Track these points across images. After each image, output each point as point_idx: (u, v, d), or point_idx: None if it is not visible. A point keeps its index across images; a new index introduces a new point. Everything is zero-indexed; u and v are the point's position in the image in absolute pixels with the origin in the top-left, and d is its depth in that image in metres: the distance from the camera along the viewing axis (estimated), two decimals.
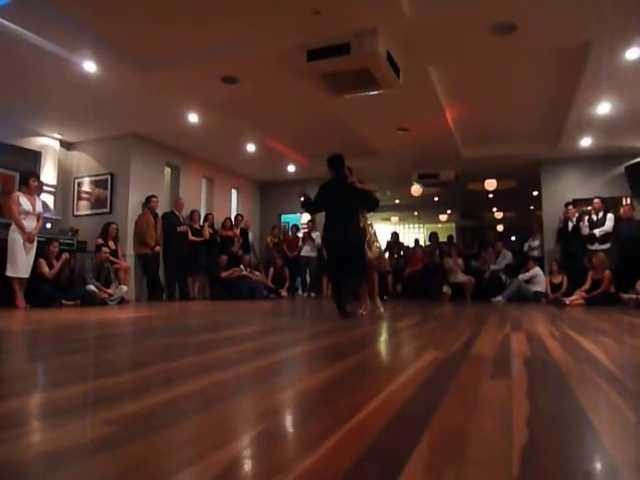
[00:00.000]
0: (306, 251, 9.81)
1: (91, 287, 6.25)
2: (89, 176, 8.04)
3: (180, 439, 1.03)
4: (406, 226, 19.41)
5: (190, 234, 8.15)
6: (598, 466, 0.91)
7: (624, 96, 6.08)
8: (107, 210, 7.76)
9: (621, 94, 6.03)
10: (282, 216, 11.32)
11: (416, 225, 19.69)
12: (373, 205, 4.82)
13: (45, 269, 6.10)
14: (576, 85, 5.77)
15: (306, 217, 10.86)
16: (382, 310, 4.92)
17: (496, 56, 5.24)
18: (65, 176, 8.11)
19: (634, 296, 6.27)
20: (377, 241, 5.06)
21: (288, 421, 1.24)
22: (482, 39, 4.76)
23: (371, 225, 5.06)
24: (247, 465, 0.90)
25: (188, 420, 1.17)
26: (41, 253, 6.13)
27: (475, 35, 4.70)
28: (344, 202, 4.40)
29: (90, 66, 5.28)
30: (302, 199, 4.62)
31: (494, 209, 15.99)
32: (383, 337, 3.28)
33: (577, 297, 7.28)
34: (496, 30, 4.58)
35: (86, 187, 8.05)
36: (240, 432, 1.11)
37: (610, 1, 4.07)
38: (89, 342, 2.79)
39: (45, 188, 7.24)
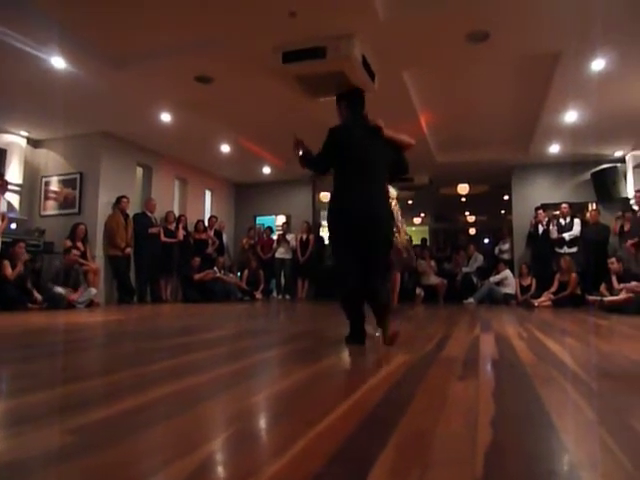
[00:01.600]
0: (280, 253, 9.79)
1: (58, 290, 6.10)
2: (57, 175, 7.83)
3: (148, 446, 1.02)
4: None
5: (163, 235, 8.04)
6: (559, 465, 0.94)
7: (590, 105, 6.27)
8: (76, 210, 7.58)
9: (587, 103, 6.21)
10: (257, 218, 11.27)
11: None
12: (402, 170, 3.05)
13: (8, 271, 5.92)
14: (545, 94, 5.92)
15: (281, 219, 10.85)
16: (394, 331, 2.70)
17: (469, 63, 5.34)
18: (32, 175, 7.88)
19: (599, 298, 6.46)
20: (404, 225, 3.64)
21: (258, 425, 1.24)
22: (456, 46, 4.84)
23: (396, 201, 3.62)
24: (215, 470, 0.90)
25: (157, 426, 1.16)
26: (6, 254, 5.95)
27: (449, 42, 4.78)
28: (369, 158, 2.81)
29: (58, 62, 5.15)
30: (300, 153, 2.97)
31: (466, 213, 16.28)
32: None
33: (545, 299, 7.47)
34: (470, 38, 4.67)
35: (54, 186, 7.84)
36: (209, 437, 1.10)
37: (577, 15, 4.19)
38: (56, 347, 2.72)
39: (10, 187, 7.01)
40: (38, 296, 5.95)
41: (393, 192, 3.30)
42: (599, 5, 4.01)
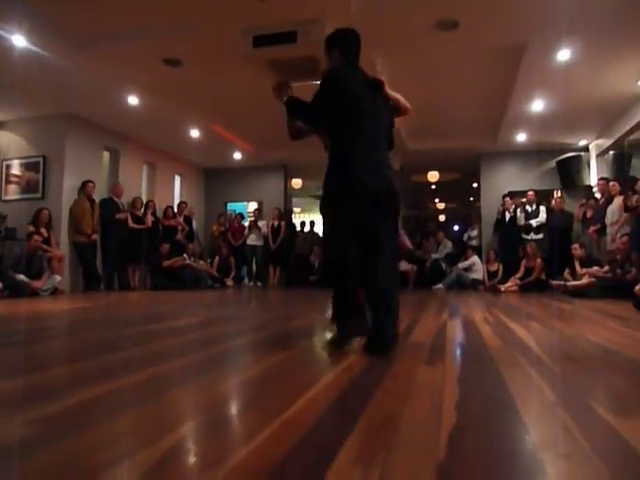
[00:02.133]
0: (252, 240, 9.73)
1: (21, 277, 5.92)
2: (19, 158, 7.55)
3: (113, 434, 1.00)
4: None
5: (131, 221, 7.87)
6: (520, 445, 0.97)
7: (556, 95, 6.40)
8: (39, 195, 7.33)
9: (553, 93, 6.34)
10: (228, 204, 11.15)
11: None
12: (390, 140, 2.44)
13: None
14: (512, 83, 6.01)
15: (252, 206, 10.76)
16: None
17: (439, 52, 5.36)
18: None
19: (563, 283, 6.66)
20: None
21: (226, 413, 1.23)
22: (426, 34, 4.85)
23: None
24: (181, 459, 0.89)
25: (123, 415, 1.14)
26: None
27: (420, 30, 4.79)
28: (376, 115, 2.25)
29: (19, 40, 4.94)
30: (285, 98, 2.33)
31: (436, 200, 16.49)
32: (326, 326, 3.31)
33: (511, 284, 7.68)
34: (439, 26, 4.69)
35: (15, 170, 7.56)
36: (176, 425, 1.09)
37: (543, 6, 4.26)
38: (18, 336, 2.65)
39: None
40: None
41: None
42: None
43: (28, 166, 7.46)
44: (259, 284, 9.64)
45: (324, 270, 2.27)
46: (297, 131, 2.44)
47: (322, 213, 2.23)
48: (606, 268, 6.16)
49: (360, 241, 2.13)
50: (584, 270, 6.46)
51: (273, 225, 9.64)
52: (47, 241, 6.64)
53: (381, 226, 2.14)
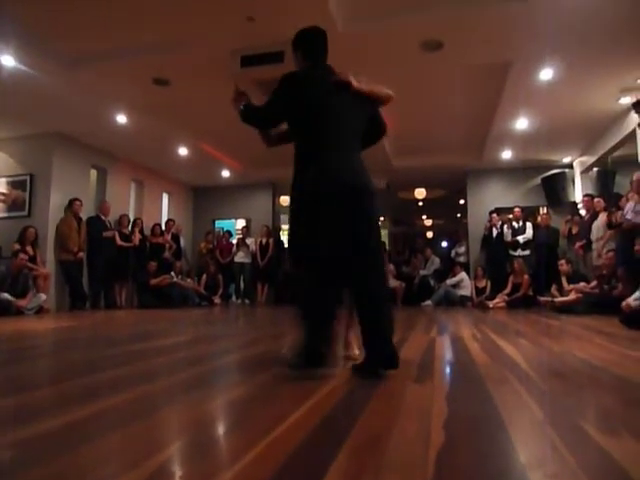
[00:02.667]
0: (240, 257, 9.69)
1: (5, 295, 5.82)
2: (6, 177, 7.49)
3: (96, 457, 0.98)
4: None
5: (119, 239, 7.81)
6: (508, 465, 0.97)
7: (539, 113, 6.53)
8: (25, 213, 7.26)
9: (536, 111, 6.47)
10: (216, 222, 11.12)
11: None
12: (379, 131, 2.37)
13: None
14: (497, 101, 6.13)
15: (241, 223, 10.75)
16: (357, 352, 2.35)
17: (425, 71, 5.46)
18: None
19: (550, 299, 6.71)
20: None
21: (213, 433, 1.22)
22: (412, 55, 4.94)
23: None
24: None
25: (110, 435, 1.12)
26: None
27: (405, 51, 4.88)
28: (343, 117, 2.11)
29: (8, 60, 4.94)
30: (242, 107, 2.31)
31: (424, 216, 16.60)
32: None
33: (499, 300, 7.71)
34: (425, 47, 4.78)
35: (2, 188, 7.49)
36: (162, 446, 1.07)
37: (525, 27, 4.38)
38: (2, 355, 2.59)
39: None
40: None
41: None
42: (547, 18, 4.19)
43: (15, 184, 7.41)
44: (247, 302, 9.57)
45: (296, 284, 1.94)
46: (269, 138, 2.37)
47: (293, 220, 2.11)
48: (593, 284, 6.22)
49: (341, 247, 1.92)
50: (571, 286, 6.52)
51: (261, 242, 9.61)
52: (33, 259, 6.56)
53: (366, 229, 1.96)
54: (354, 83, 2.18)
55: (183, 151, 8.34)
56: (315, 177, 1.96)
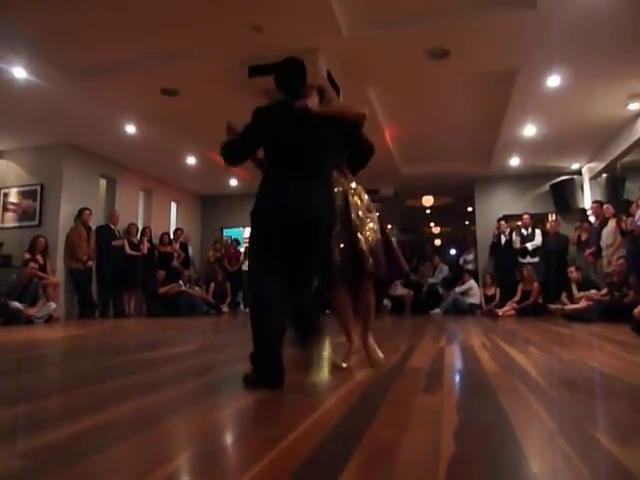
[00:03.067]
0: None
1: (15, 304, 5.87)
2: (17, 186, 7.58)
3: (105, 467, 0.98)
4: None
5: (127, 248, 7.86)
6: (520, 476, 0.96)
7: (547, 120, 6.51)
8: (35, 223, 7.34)
9: (544, 118, 6.45)
10: (224, 230, 11.16)
11: None
12: (363, 151, 2.47)
13: None
14: (505, 108, 6.12)
15: (248, 231, 10.77)
16: (381, 355, 2.49)
17: (432, 79, 5.47)
18: None
19: (560, 306, 6.65)
20: (371, 218, 2.56)
21: (221, 443, 1.21)
22: (418, 63, 4.96)
23: (355, 192, 2.54)
24: None
25: (118, 445, 1.12)
26: None
27: (411, 59, 4.90)
28: (304, 146, 2.14)
29: (20, 72, 5.02)
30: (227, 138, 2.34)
31: (431, 224, 16.55)
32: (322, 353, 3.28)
33: (509, 308, 7.64)
34: (431, 55, 4.79)
35: (13, 198, 7.58)
36: (172, 455, 1.07)
37: (533, 34, 4.38)
38: (11, 364, 2.61)
39: None
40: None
41: (352, 184, 2.50)
42: (554, 24, 4.19)
43: (26, 194, 7.49)
44: None
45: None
46: (258, 163, 2.35)
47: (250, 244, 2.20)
48: (604, 291, 6.15)
49: (285, 261, 2.03)
50: (581, 293, 6.45)
51: None
52: (43, 268, 6.62)
53: (306, 249, 2.06)
54: (310, 107, 2.17)
55: (191, 160, 8.40)
56: (260, 200, 2.06)
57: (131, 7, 4.07)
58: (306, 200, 2.04)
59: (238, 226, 11.06)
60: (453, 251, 15.22)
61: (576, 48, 4.62)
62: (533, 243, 8.23)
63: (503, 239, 8.64)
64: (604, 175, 8.25)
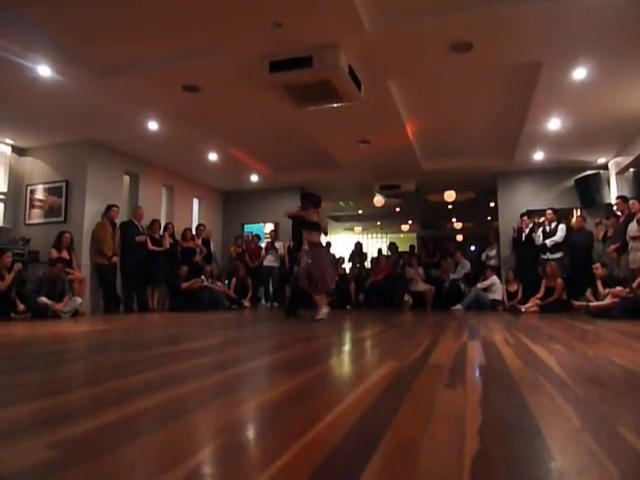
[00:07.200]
0: (269, 261, 9.76)
1: (43, 299, 6.01)
2: (43, 183, 7.77)
3: (133, 458, 1.00)
4: (370, 236, 19.62)
5: (150, 244, 7.97)
6: (545, 473, 0.95)
7: (572, 113, 6.38)
8: (61, 219, 7.51)
9: (570, 111, 6.32)
10: (245, 226, 11.24)
11: (379, 235, 19.94)
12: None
13: None
14: (529, 102, 6.01)
15: (269, 227, 10.84)
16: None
17: (454, 72, 5.41)
18: (16, 183, 7.80)
19: (585, 303, 6.52)
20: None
21: (244, 437, 1.23)
22: (440, 56, 4.90)
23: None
24: None
25: (142, 439, 1.14)
26: None
27: (433, 52, 4.84)
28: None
29: (44, 70, 5.12)
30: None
31: (453, 219, 16.39)
32: (344, 348, 3.29)
33: (532, 305, 7.52)
34: (453, 48, 4.73)
35: (39, 195, 7.77)
36: (194, 450, 1.09)
37: (558, 25, 4.28)
38: (39, 358, 2.68)
39: None
40: (21, 306, 5.85)
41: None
42: (579, 16, 4.09)
43: (51, 191, 7.66)
44: (276, 305, 9.63)
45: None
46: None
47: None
48: (635, 284, 6.01)
49: None
50: (606, 290, 6.32)
51: (290, 246, 9.67)
52: (69, 263, 6.76)
53: None
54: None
55: (213, 156, 8.48)
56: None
57: (152, 4, 4.13)
58: None
59: (259, 222, 11.13)
60: (472, 247, 15.06)
61: (602, 40, 4.51)
62: (552, 239, 8.09)
63: (524, 235, 8.51)
64: (631, 170, 8.05)
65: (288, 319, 5.45)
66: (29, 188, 7.84)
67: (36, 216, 7.77)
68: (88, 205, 7.46)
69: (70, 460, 0.97)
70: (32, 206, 7.81)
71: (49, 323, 5.30)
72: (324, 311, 5.48)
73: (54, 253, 6.68)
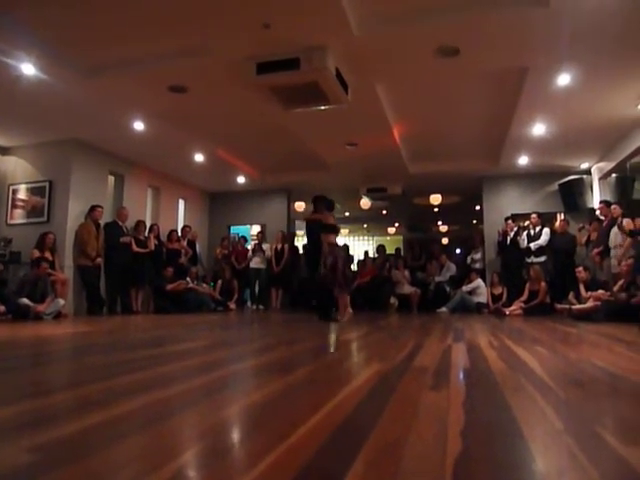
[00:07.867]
0: (256, 263, 9.74)
1: (24, 300, 5.92)
2: (25, 183, 7.64)
3: (115, 461, 0.99)
4: (356, 238, 19.68)
5: (135, 245, 7.90)
6: (527, 474, 0.96)
7: (556, 118, 6.47)
8: (44, 219, 7.40)
9: (554, 117, 6.41)
10: (232, 227, 11.20)
11: (366, 237, 20.01)
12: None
13: None
14: (514, 107, 6.09)
15: (256, 229, 10.81)
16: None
17: (441, 77, 5.46)
18: None
19: (567, 306, 6.61)
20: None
21: (229, 439, 1.22)
22: (427, 61, 4.94)
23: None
24: None
25: (125, 441, 1.13)
26: None
27: (421, 57, 4.88)
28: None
29: (28, 69, 5.05)
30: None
31: (439, 222, 16.51)
32: (329, 350, 3.29)
33: (516, 307, 7.60)
34: (441, 52, 4.78)
35: (22, 195, 7.65)
36: (179, 451, 1.08)
37: (543, 31, 4.35)
38: (21, 360, 2.64)
39: None
40: (1, 307, 5.75)
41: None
42: (565, 23, 4.16)
43: (34, 191, 7.55)
44: (261, 307, 9.60)
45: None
46: None
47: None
48: (616, 288, 6.11)
49: None
50: (589, 293, 6.41)
51: (276, 248, 9.65)
52: (52, 265, 6.67)
53: None
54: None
55: (199, 157, 8.43)
56: None
57: (139, 4, 4.09)
58: None
59: (245, 223, 11.10)
60: (458, 250, 15.18)
61: (587, 47, 4.59)
62: (536, 243, 8.19)
63: (508, 238, 8.60)
64: (614, 175, 8.19)
65: (326, 322, 5.46)
66: (11, 188, 7.71)
67: (18, 216, 7.65)
68: (72, 205, 7.36)
69: (51, 464, 0.96)
70: (14, 206, 7.68)
71: (31, 325, 5.22)
72: (350, 312, 5.76)
73: (36, 254, 6.58)
